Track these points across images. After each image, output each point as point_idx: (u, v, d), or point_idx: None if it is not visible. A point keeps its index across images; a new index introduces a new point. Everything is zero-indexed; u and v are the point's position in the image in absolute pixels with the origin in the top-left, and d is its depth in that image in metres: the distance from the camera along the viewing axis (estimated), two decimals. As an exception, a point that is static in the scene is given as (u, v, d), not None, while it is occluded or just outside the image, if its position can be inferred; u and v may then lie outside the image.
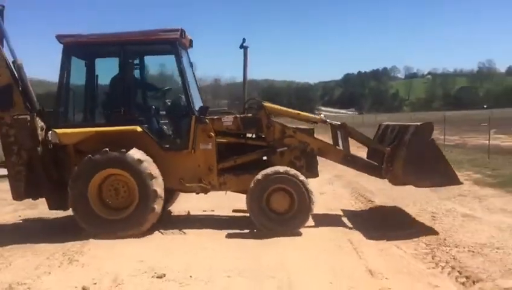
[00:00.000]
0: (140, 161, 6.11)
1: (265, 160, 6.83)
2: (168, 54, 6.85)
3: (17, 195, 6.56)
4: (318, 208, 7.07)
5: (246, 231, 6.40)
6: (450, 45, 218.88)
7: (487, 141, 16.26)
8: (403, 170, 6.27)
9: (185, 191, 6.94)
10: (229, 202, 7.61)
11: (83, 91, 7.02)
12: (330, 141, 7.20)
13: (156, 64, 8.33)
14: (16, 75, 6.49)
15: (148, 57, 7.82)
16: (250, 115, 6.86)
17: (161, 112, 7.21)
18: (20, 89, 6.46)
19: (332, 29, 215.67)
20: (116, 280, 4.47)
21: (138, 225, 6.15)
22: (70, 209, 6.39)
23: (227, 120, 6.74)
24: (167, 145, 6.63)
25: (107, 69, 7.06)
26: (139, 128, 6.37)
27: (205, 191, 6.74)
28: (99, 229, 6.13)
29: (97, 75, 7.13)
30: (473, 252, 5.31)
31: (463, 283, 4.45)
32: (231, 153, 6.75)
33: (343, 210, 7.86)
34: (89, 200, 6.18)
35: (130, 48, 6.84)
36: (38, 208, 8.55)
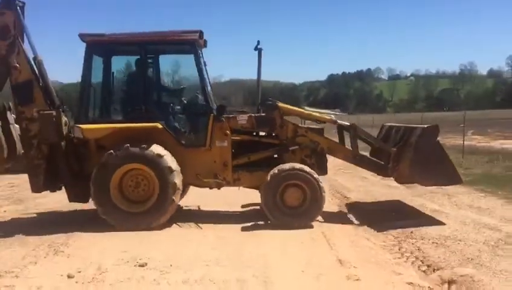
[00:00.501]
0: (160, 156, 6.37)
1: (277, 157, 7.14)
2: (187, 53, 7.11)
3: (36, 188, 6.75)
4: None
5: (228, 225, 6.69)
6: (432, 46, 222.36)
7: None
8: (410, 169, 6.65)
9: (200, 186, 7.17)
10: (212, 198, 7.89)
11: (104, 88, 7.26)
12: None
13: (174, 64, 8.53)
14: (37, 71, 6.69)
15: (167, 56, 8.03)
16: (264, 114, 7.17)
17: (177, 109, 7.44)
18: (41, 84, 6.66)
19: (317, 30, 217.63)
20: (100, 268, 4.71)
21: (158, 217, 6.42)
22: (90, 201, 6.68)
23: (243, 119, 7.05)
24: (186, 142, 6.92)
25: (127, 68, 7.38)
26: (159, 125, 6.64)
27: (219, 186, 7.03)
28: (120, 221, 6.38)
29: (117, 73, 7.41)
30: (437, 243, 5.70)
31: (424, 271, 4.84)
32: (245, 151, 7.05)
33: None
34: (110, 193, 6.42)
35: (151, 48, 7.13)
36: (23, 204, 8.75)
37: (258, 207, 6.99)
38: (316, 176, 6.59)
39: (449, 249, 5.44)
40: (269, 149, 7.13)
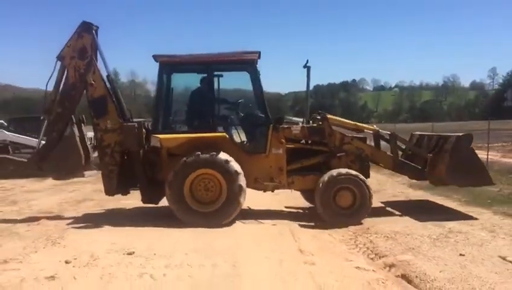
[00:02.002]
0: (228, 161, 7.18)
1: (324, 163, 7.99)
2: (247, 71, 7.89)
3: (109, 191, 7.60)
4: (272, 205, 8.54)
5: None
6: (416, 58, 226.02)
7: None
8: (446, 173, 7.54)
9: (257, 189, 7.97)
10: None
11: (174, 103, 8.16)
12: None
13: (234, 80, 9.14)
14: (109, 87, 7.53)
15: (229, 74, 8.70)
16: (315, 125, 8.09)
17: (238, 121, 8.30)
18: (113, 99, 7.48)
19: (302, 40, 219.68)
20: (93, 255, 5.45)
21: (227, 216, 7.19)
22: (163, 203, 7.54)
23: (296, 129, 7.96)
24: (247, 149, 7.80)
25: (194, 85, 8.18)
26: (226, 135, 7.53)
27: (275, 188, 7.93)
28: (192, 219, 7.13)
29: (185, 89, 8.34)
30: (387, 237, 6.56)
31: (372, 258, 5.70)
32: (296, 157, 7.93)
33: (292, 207, 9.01)
34: (184, 195, 7.20)
35: (216, 67, 7.93)
36: (18, 205, 9.42)
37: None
38: (365, 180, 7.46)
39: (397, 241, 6.30)
40: (319, 156, 8.01)
